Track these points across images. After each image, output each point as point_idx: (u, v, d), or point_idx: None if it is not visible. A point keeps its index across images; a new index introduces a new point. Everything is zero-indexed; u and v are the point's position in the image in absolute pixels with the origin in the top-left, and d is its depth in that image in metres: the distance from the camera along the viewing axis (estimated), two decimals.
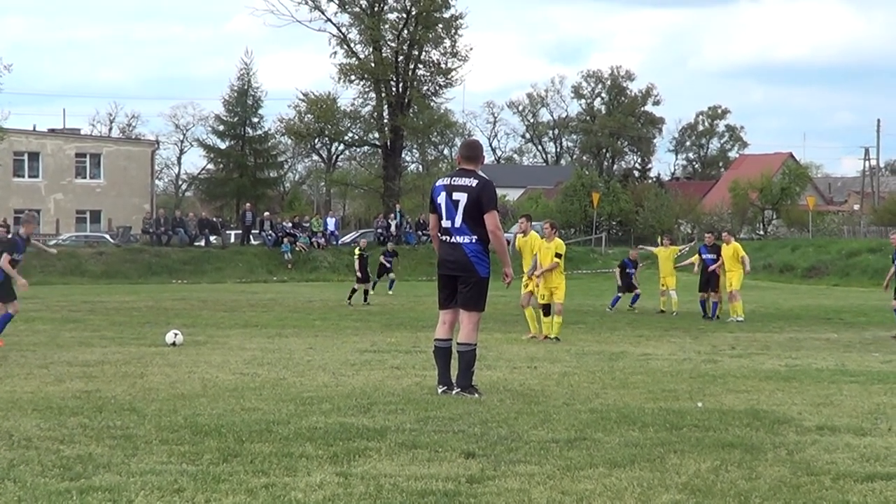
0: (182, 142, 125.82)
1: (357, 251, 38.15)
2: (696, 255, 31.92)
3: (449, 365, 13.17)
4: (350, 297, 36.16)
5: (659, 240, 38.98)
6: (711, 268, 30.43)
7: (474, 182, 12.96)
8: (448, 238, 13.01)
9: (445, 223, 13.00)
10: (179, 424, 10.62)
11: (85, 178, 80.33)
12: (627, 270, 35.24)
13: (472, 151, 13.52)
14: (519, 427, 10.65)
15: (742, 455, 9.42)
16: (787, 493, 8.09)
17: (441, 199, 13.06)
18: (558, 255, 22.43)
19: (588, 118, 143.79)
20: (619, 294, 34.68)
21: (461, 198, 12.90)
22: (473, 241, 12.89)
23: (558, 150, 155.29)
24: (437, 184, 13.40)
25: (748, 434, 10.48)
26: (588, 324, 27.07)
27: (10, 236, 20.27)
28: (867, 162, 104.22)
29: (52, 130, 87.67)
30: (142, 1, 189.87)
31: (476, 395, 12.83)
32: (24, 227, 20.81)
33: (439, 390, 13.09)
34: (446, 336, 13.18)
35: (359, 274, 36.86)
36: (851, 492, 8.19)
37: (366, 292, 36.66)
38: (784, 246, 68.67)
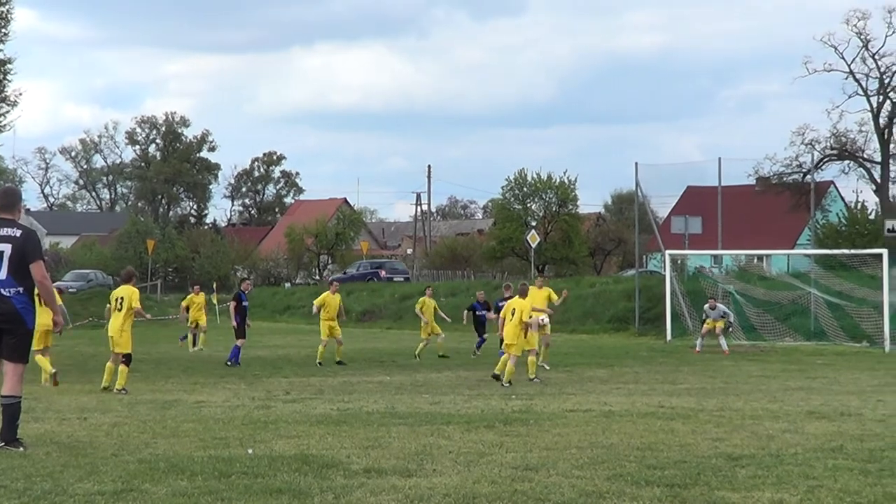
0: None
1: None
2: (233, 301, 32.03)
3: None
4: None
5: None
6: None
7: (18, 232, 12.57)
8: None
9: None
10: None
11: None
12: (478, 313, 35.00)
13: (9, 199, 13.02)
14: (64, 480, 10.42)
15: (290, 500, 9.55)
16: None
17: None
18: None
19: (143, 164, 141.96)
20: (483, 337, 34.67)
21: (5, 249, 12.48)
22: (21, 292, 12.50)
23: (113, 196, 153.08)
24: None
25: (296, 479, 10.60)
26: (143, 372, 26.60)
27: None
28: (419, 207, 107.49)
29: None
30: None
31: (21, 448, 12.44)
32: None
33: None
34: None
35: None
36: None
37: None
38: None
